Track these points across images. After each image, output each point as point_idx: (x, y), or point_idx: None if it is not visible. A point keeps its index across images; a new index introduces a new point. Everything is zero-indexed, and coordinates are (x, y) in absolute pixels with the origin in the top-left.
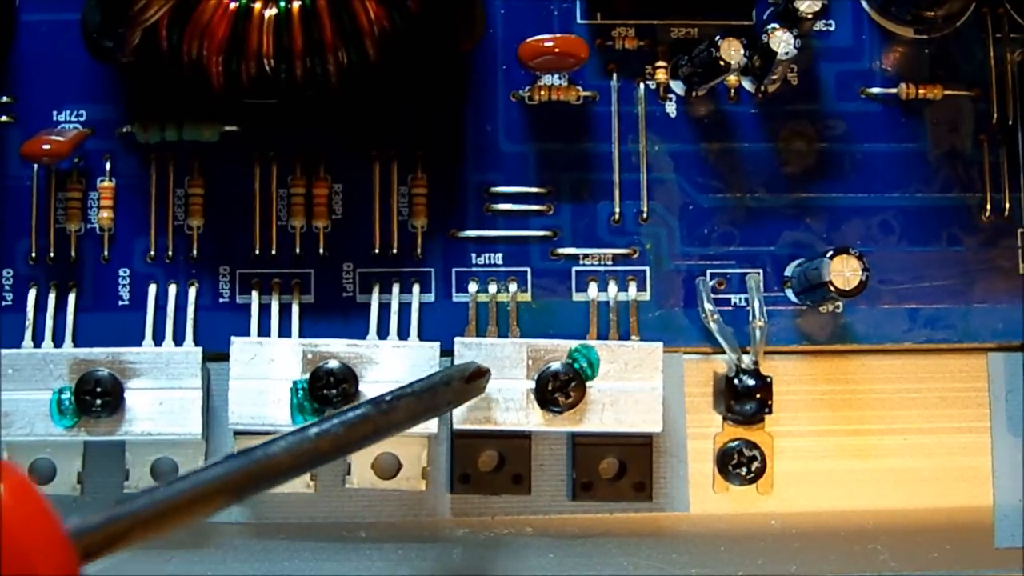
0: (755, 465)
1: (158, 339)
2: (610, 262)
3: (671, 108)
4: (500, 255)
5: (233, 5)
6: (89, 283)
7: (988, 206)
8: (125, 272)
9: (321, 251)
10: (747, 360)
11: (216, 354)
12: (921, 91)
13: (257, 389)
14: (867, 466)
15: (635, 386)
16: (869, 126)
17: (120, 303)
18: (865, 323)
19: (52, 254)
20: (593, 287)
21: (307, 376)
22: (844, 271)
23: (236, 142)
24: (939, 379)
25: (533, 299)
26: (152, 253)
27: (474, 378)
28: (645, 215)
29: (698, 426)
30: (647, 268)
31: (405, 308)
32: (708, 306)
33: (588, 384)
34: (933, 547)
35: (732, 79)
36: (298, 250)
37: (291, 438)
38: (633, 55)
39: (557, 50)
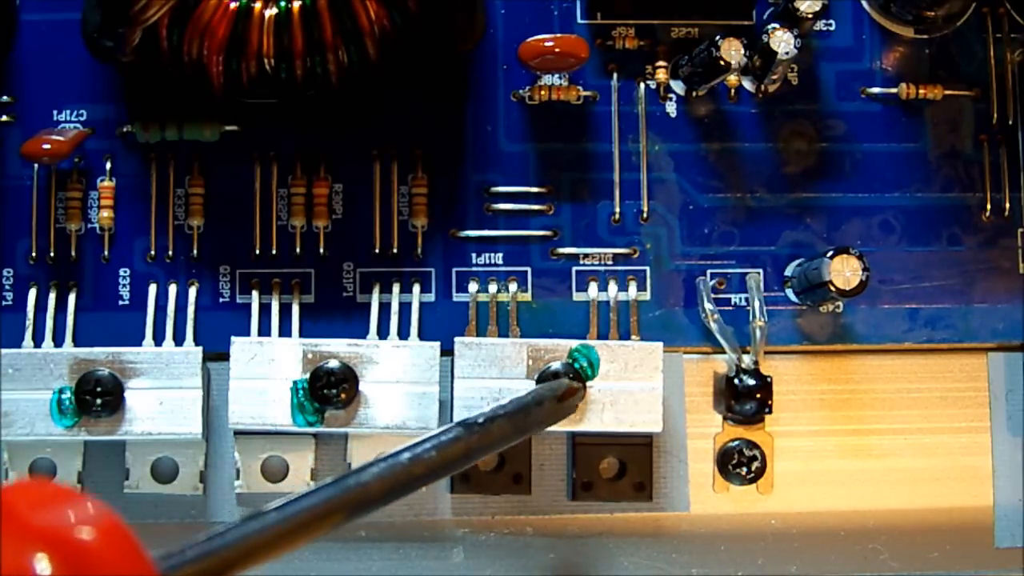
0: (755, 465)
1: (158, 339)
2: (610, 262)
3: (671, 108)
4: (500, 255)
5: (233, 5)
6: (89, 283)
7: (988, 206)
8: (125, 272)
9: (321, 251)
10: (747, 360)
11: (216, 354)
12: (921, 91)
13: (257, 389)
14: (867, 466)
15: (635, 386)
16: (869, 126)
17: (120, 303)
18: (865, 323)
19: (52, 254)
20: (593, 287)
21: (307, 376)
22: (844, 271)
23: (236, 142)
24: (939, 379)
25: (533, 299)
26: (152, 253)
27: (567, 396)
28: (645, 215)
29: (698, 426)
30: (647, 268)
31: (405, 308)
32: (708, 306)
33: (588, 384)
34: (933, 547)
35: (732, 79)
36: (298, 250)
37: (383, 464)
38: (633, 55)
39: (557, 50)
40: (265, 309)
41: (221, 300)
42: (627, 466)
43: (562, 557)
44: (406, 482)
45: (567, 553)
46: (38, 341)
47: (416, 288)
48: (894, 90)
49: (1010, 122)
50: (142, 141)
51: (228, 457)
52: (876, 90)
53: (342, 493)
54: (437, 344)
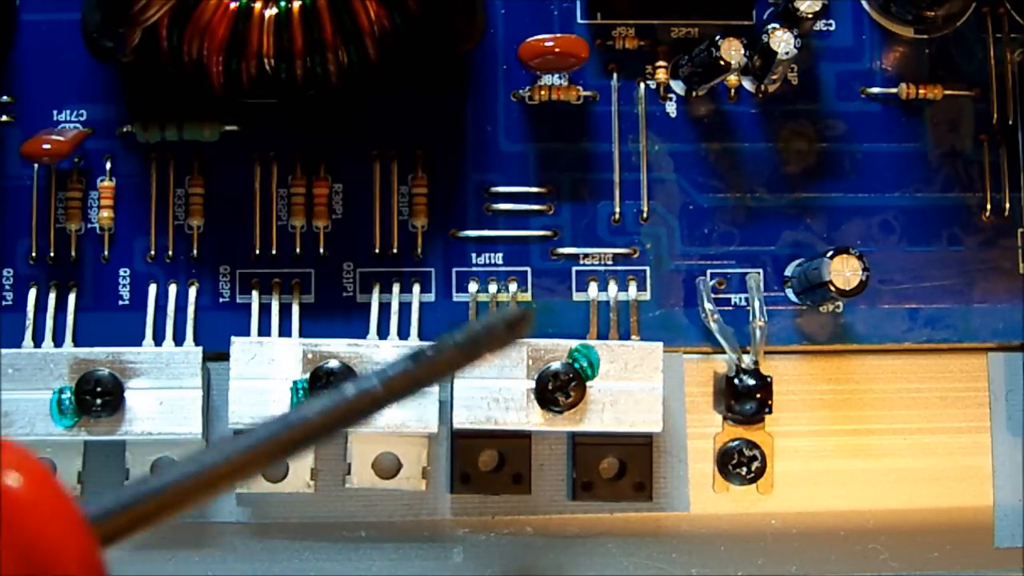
0: (755, 465)
1: (158, 339)
2: (610, 262)
3: (671, 108)
4: (500, 255)
5: (233, 5)
6: (89, 283)
7: (988, 206)
8: (125, 272)
9: (321, 251)
10: (747, 360)
11: (216, 354)
12: (921, 91)
13: (257, 389)
14: (867, 466)
15: (635, 386)
16: (869, 126)
17: (120, 303)
18: (865, 323)
19: (52, 254)
20: (593, 287)
21: (307, 376)
22: (844, 271)
23: (236, 142)
24: (939, 379)
25: (533, 299)
26: (152, 253)
27: (517, 324)
28: (645, 215)
29: (698, 426)
30: (647, 268)
31: (405, 308)
32: (708, 306)
33: (588, 384)
34: (933, 547)
35: (732, 79)
36: (298, 250)
37: (326, 399)
38: (633, 55)
39: (557, 50)
40: (265, 309)
41: (221, 300)
42: (627, 466)
43: (562, 557)
44: (352, 416)
45: (567, 553)
46: (38, 341)
47: (416, 288)
48: (894, 90)
49: (1010, 122)
50: (142, 141)
51: None
52: (876, 90)
53: (286, 429)
54: None
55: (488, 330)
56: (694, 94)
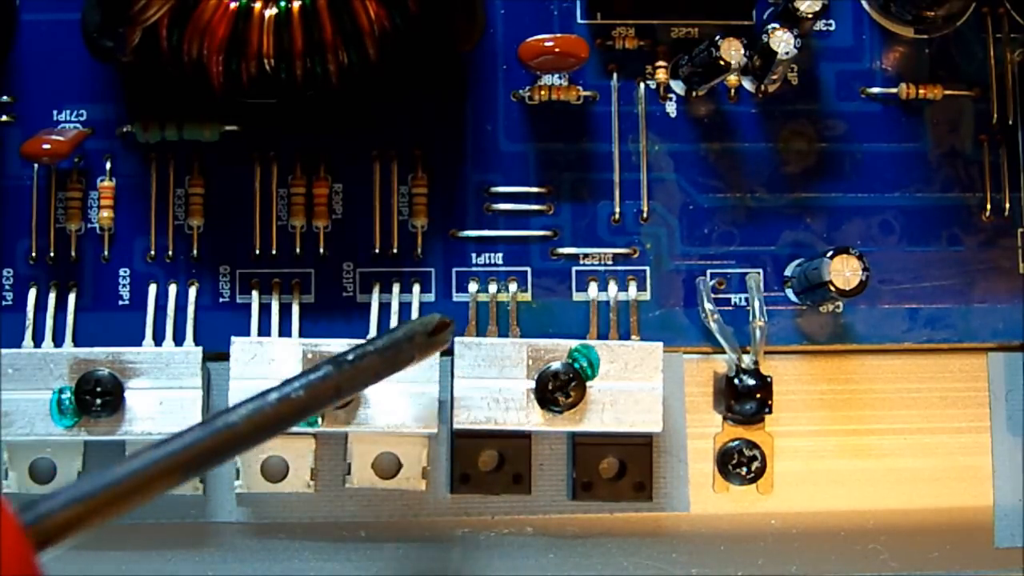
0: (755, 465)
1: (158, 339)
2: (610, 262)
3: (671, 108)
4: (500, 255)
5: (233, 5)
6: (89, 283)
7: (988, 206)
8: (125, 272)
9: (321, 251)
10: (747, 360)
11: (216, 354)
12: (921, 91)
13: (257, 389)
14: (867, 466)
15: (635, 386)
16: (869, 126)
17: (120, 303)
18: (865, 323)
19: (52, 254)
20: (593, 287)
21: None
22: (844, 271)
23: (236, 142)
24: (939, 379)
25: (533, 299)
26: (152, 253)
27: (438, 331)
28: (645, 215)
29: (698, 426)
30: (647, 268)
31: (405, 308)
32: (708, 306)
33: (588, 384)
34: (933, 547)
35: (732, 79)
36: (298, 250)
37: (250, 405)
38: (633, 55)
39: (557, 50)
40: (265, 309)
41: (221, 300)
42: (627, 466)
43: (562, 557)
44: (275, 422)
45: (567, 553)
46: (38, 341)
47: (416, 288)
48: (894, 90)
49: (1010, 122)
50: (142, 141)
51: None
52: (876, 90)
53: (211, 435)
54: None
55: (409, 337)
56: (694, 94)
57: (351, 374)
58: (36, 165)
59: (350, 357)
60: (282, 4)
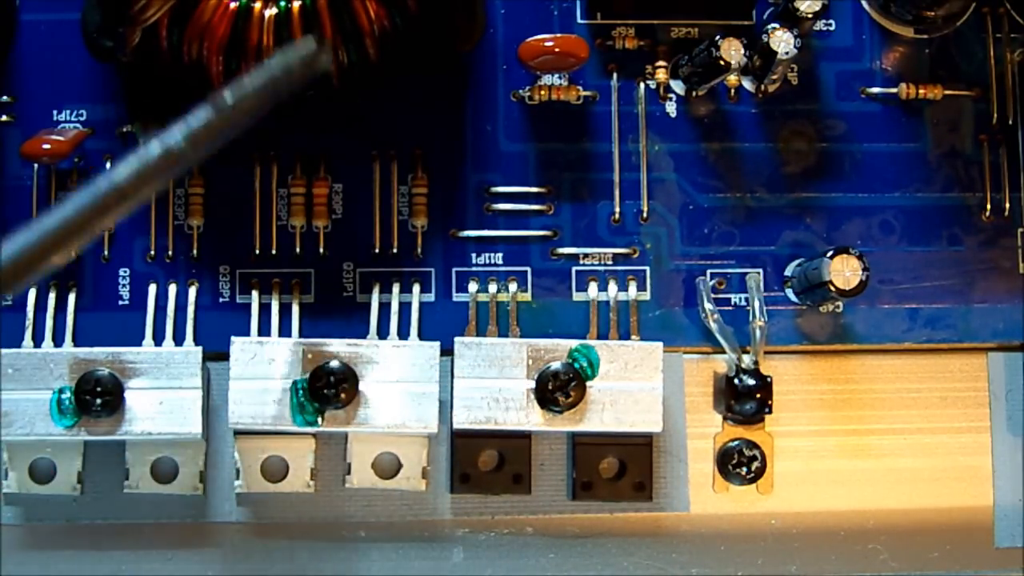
0: (755, 465)
1: (158, 339)
2: (610, 262)
3: (671, 108)
4: (500, 255)
5: (233, 5)
6: (89, 283)
7: (988, 206)
8: (125, 272)
9: (321, 251)
10: (747, 360)
11: (216, 354)
12: (921, 91)
13: (257, 389)
14: (867, 466)
15: (635, 386)
16: (869, 126)
17: (120, 303)
18: (865, 323)
19: None
20: (593, 287)
21: (307, 376)
22: (844, 271)
23: (236, 142)
24: (939, 379)
25: (533, 299)
26: (152, 253)
27: (311, 57)
28: (645, 215)
29: (698, 426)
30: (647, 268)
31: (405, 308)
32: (708, 306)
33: (588, 384)
34: (933, 547)
35: (732, 79)
36: (298, 250)
37: (133, 160)
38: (633, 55)
39: (557, 50)
40: (265, 309)
41: (221, 300)
42: (627, 466)
43: (562, 557)
44: (160, 173)
45: (567, 553)
46: (38, 341)
47: (416, 288)
48: (894, 90)
49: (1010, 122)
50: (142, 141)
51: (228, 457)
52: (876, 90)
53: (98, 196)
54: (437, 344)
55: (284, 67)
56: (694, 94)
57: (231, 115)
58: (36, 165)
59: (228, 99)
60: (282, 4)
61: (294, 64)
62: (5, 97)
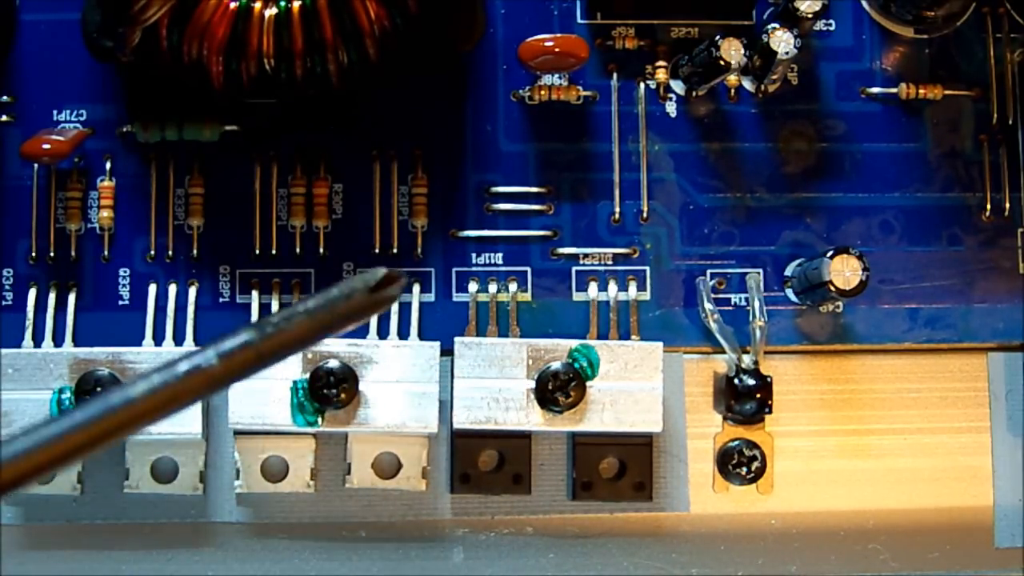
0: (755, 465)
1: (158, 339)
2: (610, 262)
3: (671, 108)
4: (500, 255)
5: (233, 5)
6: (89, 283)
7: (988, 206)
8: (125, 272)
9: (321, 251)
10: (747, 360)
11: None
12: (921, 91)
13: (257, 389)
14: (867, 466)
15: (635, 386)
16: (869, 126)
17: (120, 303)
18: (865, 323)
19: (52, 254)
20: (593, 287)
21: (307, 376)
22: (844, 271)
23: (236, 142)
24: (939, 379)
25: (533, 299)
26: (152, 253)
27: (382, 286)
28: (645, 215)
29: (698, 426)
30: (647, 268)
31: (405, 308)
32: (708, 306)
33: (588, 384)
34: (933, 547)
35: (732, 79)
36: (298, 250)
37: (156, 378)
38: (633, 55)
39: (557, 50)
40: (265, 309)
41: (221, 300)
42: (627, 466)
43: (562, 557)
44: (183, 396)
45: (567, 553)
46: (38, 341)
47: (416, 288)
48: (894, 90)
49: (1010, 122)
50: (142, 141)
51: (228, 457)
52: (876, 90)
53: (108, 413)
54: (437, 344)
55: (347, 296)
56: (694, 94)
57: (275, 340)
58: (36, 165)
59: (275, 320)
60: (282, 4)
61: (358, 291)
62: (5, 97)
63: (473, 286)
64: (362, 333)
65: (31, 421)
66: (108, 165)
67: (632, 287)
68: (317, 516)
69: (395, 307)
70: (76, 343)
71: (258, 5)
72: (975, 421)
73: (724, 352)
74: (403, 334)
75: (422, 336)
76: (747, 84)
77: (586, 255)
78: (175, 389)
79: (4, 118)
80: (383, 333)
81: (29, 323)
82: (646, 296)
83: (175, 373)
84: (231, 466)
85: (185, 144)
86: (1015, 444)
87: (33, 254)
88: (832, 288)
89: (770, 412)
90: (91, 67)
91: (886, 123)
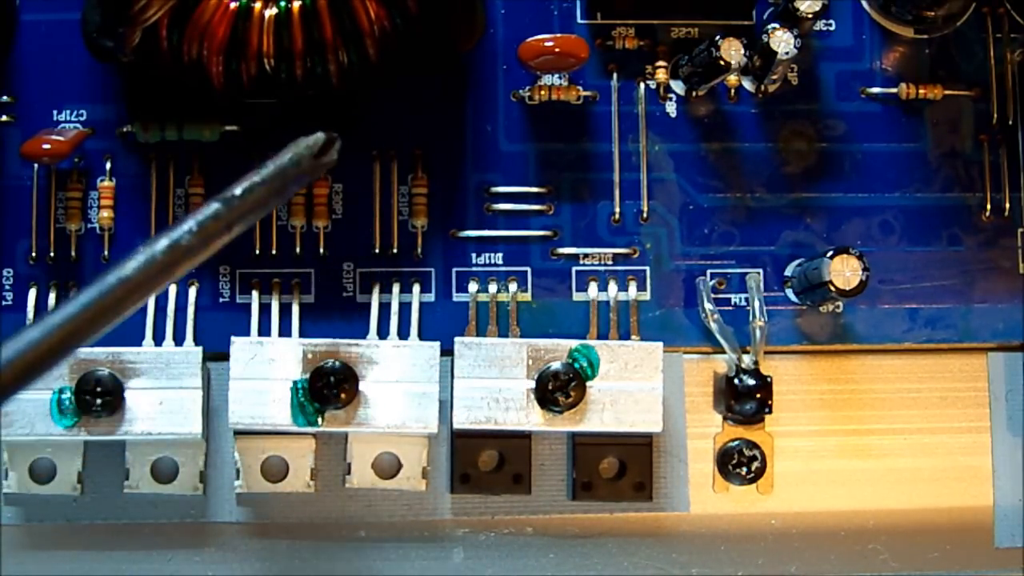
0: (755, 465)
1: (158, 339)
2: (610, 262)
3: (671, 108)
4: (500, 255)
5: (233, 5)
6: (89, 283)
7: (988, 206)
8: None
9: (321, 251)
10: (747, 360)
11: (216, 354)
12: (921, 91)
13: (257, 389)
14: (867, 466)
15: (635, 386)
16: (869, 126)
17: None
18: (865, 323)
19: (52, 254)
20: (593, 287)
21: (307, 376)
22: (844, 271)
23: (236, 142)
24: (939, 379)
25: (533, 299)
26: None
27: (323, 151)
28: (645, 215)
29: (698, 426)
30: (647, 268)
31: (405, 308)
32: (708, 306)
33: (588, 384)
34: (933, 547)
35: (732, 79)
36: (298, 250)
37: (141, 256)
38: (633, 55)
39: (557, 50)
40: (265, 309)
41: (221, 300)
42: (627, 466)
43: (562, 557)
44: (169, 269)
45: (567, 553)
46: None
47: (416, 288)
48: (894, 90)
49: (1010, 122)
50: (142, 141)
51: (228, 457)
52: (876, 90)
53: (106, 291)
54: (437, 344)
55: (295, 162)
56: (694, 94)
57: (241, 208)
58: (36, 165)
59: (237, 192)
60: (282, 4)
61: (304, 157)
62: (5, 97)
63: (473, 286)
64: (362, 333)
65: (30, 421)
66: (108, 165)
67: (632, 287)
68: (317, 516)
69: (395, 307)
70: None
71: (258, 5)
72: (975, 421)
73: (724, 352)
74: (403, 334)
75: (422, 336)
76: (747, 84)
77: (586, 255)
78: (160, 263)
79: (4, 118)
80: (383, 333)
81: (29, 323)
82: (646, 296)
83: (156, 249)
84: (231, 466)
85: (185, 144)
86: (1015, 444)
87: (33, 254)
88: (832, 288)
89: (770, 412)
90: (91, 67)
91: (886, 123)
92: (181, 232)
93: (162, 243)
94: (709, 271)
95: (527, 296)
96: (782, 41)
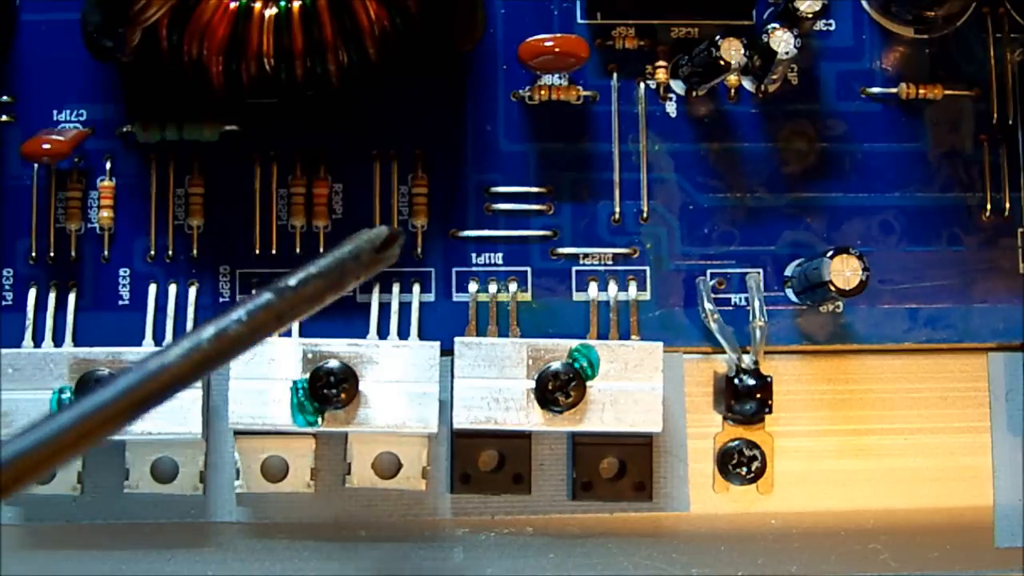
0: (755, 465)
1: (158, 339)
2: (610, 262)
3: (671, 108)
4: (500, 255)
5: (233, 5)
6: (89, 283)
7: (988, 206)
8: (125, 272)
9: (321, 251)
10: (747, 360)
11: None
12: (921, 91)
13: (257, 389)
14: (867, 466)
15: (635, 386)
16: (869, 126)
17: (120, 303)
18: (865, 323)
19: (52, 254)
20: (593, 287)
21: (307, 376)
22: (844, 271)
23: (236, 142)
24: (939, 379)
25: (533, 299)
26: (152, 253)
27: (385, 246)
28: (645, 215)
29: (698, 426)
30: (647, 268)
31: (405, 308)
32: (708, 306)
33: (588, 384)
34: (933, 547)
35: (732, 79)
36: (298, 250)
37: (186, 344)
38: (633, 55)
39: (557, 50)
40: None
41: (221, 300)
42: (627, 466)
43: (562, 557)
44: (214, 358)
45: (567, 553)
46: (38, 341)
47: (416, 288)
48: (894, 90)
49: (1010, 122)
50: (142, 141)
51: (228, 457)
52: (876, 90)
53: (147, 378)
54: (437, 344)
55: (355, 256)
56: (694, 94)
57: (294, 300)
58: (36, 165)
59: (292, 283)
60: (282, 4)
61: (364, 251)
62: (5, 97)
63: (473, 286)
64: (362, 333)
65: (30, 421)
66: (108, 165)
67: (632, 287)
68: (317, 516)
69: (395, 307)
70: (76, 343)
71: (258, 5)
72: (975, 421)
73: (724, 352)
74: (403, 334)
75: (422, 336)
76: (747, 84)
77: (586, 255)
78: (205, 352)
79: (4, 118)
80: (383, 333)
81: (29, 323)
82: (646, 296)
83: (202, 337)
84: (231, 466)
85: (185, 144)
86: (1015, 444)
87: (33, 254)
88: (832, 288)
89: (770, 412)
90: (91, 67)
91: (886, 123)
92: (229, 321)
93: (208, 331)
94: (709, 271)
95: (527, 296)
96: (782, 41)
